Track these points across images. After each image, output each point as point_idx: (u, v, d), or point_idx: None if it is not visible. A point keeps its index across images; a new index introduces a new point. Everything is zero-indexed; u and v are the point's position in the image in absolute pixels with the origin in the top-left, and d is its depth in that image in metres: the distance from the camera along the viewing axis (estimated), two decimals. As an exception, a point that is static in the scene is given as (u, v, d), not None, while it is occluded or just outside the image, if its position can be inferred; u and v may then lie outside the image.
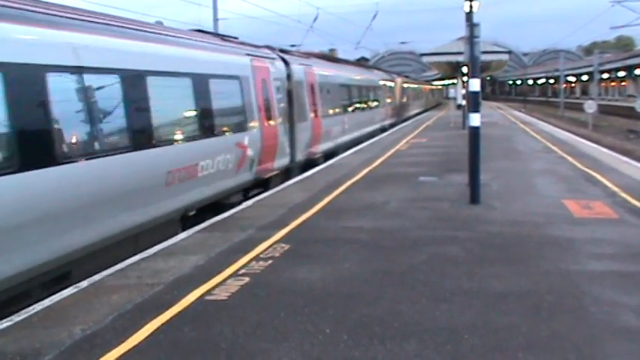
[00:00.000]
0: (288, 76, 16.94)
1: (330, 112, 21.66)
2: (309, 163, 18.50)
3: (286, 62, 17.19)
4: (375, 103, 32.51)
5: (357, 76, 28.72)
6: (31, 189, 6.81)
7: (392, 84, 39.98)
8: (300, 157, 17.52)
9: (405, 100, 46.92)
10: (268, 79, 15.00)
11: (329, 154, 21.06)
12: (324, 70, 21.79)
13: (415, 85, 61.36)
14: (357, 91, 27.39)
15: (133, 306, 6.28)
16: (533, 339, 5.22)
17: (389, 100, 37.70)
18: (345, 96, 25.00)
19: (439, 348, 5.09)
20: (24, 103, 6.84)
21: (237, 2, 34.52)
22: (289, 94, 16.77)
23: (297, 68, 17.98)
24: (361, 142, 25.84)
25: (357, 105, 27.22)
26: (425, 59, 45.38)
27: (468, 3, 12.88)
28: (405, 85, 48.24)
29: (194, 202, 10.77)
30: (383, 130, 33.92)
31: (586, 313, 5.80)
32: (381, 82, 35.59)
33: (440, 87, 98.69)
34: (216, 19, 30.75)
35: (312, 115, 18.93)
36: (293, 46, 39.66)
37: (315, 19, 40.41)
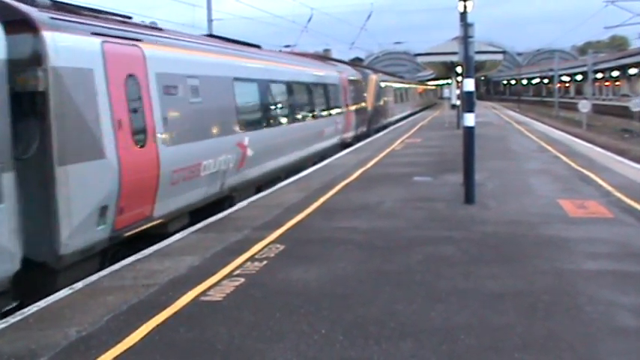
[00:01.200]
0: (35, 59, 7.55)
1: (201, 131, 11.27)
2: (135, 240, 9.29)
3: (28, 25, 7.63)
4: (326, 110, 21.92)
5: (280, 67, 17.22)
6: None
7: (362, 82, 30.77)
8: (79, 242, 7.94)
9: (382, 102, 37.28)
10: None
11: (204, 209, 11.32)
12: (178, 52, 11.11)
13: (398, 85, 50.34)
14: (282, 92, 16.90)
15: (129, 307, 6.27)
16: (528, 339, 5.23)
17: (355, 104, 27.36)
18: (250, 100, 14.39)
19: (435, 348, 5.09)
20: None
21: (232, 3, 34.49)
22: (16, 100, 7.18)
23: (75, 42, 8.28)
24: (297, 170, 16.93)
25: (284, 114, 16.81)
26: (419, 59, 44.86)
27: (462, 3, 12.87)
28: (384, 84, 38.87)
29: None
30: (345, 145, 24.54)
31: (581, 313, 5.81)
32: (340, 80, 24.98)
33: (433, 87, 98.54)
34: (210, 20, 30.78)
35: (125, 141, 8.93)
36: (287, 46, 39.68)
37: (309, 20, 40.47)
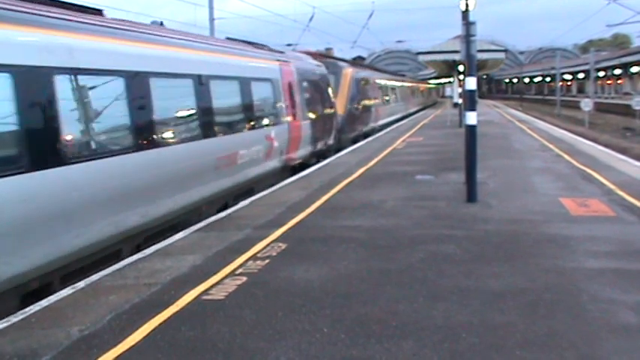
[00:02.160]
0: None
1: None
2: None
3: None
4: (248, 120, 13.99)
5: (124, 48, 9.53)
6: None
7: (326, 78, 22.56)
8: None
9: (363, 104, 29.46)
10: None
11: None
12: None
13: (386, 82, 40.68)
14: (120, 92, 9.18)
15: (131, 306, 6.27)
16: (530, 337, 5.23)
17: (315, 108, 19.67)
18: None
19: (437, 346, 5.09)
20: None
21: (234, 2, 34.50)
22: None
23: None
24: (181, 224, 10.55)
25: (127, 132, 9.32)
26: (421, 58, 44.59)
27: (464, 1, 12.89)
28: (365, 81, 30.95)
29: None
30: (295, 169, 17.25)
31: (583, 311, 5.80)
32: (281, 73, 16.76)
33: (435, 85, 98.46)
34: (212, 19, 30.79)
35: None
36: (289, 45, 39.69)
37: (311, 19, 40.55)
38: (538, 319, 5.60)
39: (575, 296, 6.20)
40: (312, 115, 19.07)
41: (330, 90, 22.46)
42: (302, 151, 18.10)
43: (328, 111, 21.73)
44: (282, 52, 18.64)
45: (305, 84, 18.99)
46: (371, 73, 35.80)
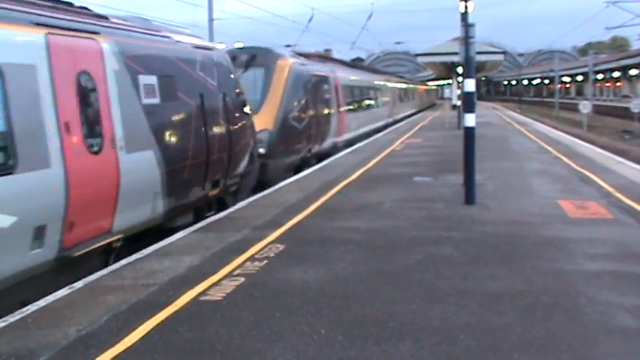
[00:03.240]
0: None
1: None
2: None
3: None
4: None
5: None
6: None
7: (223, 73, 12.30)
8: None
9: (307, 114, 19.10)
10: None
11: None
12: None
13: (360, 80, 30.71)
14: None
15: (128, 306, 6.27)
16: (528, 339, 5.23)
17: (183, 128, 10.25)
18: None
19: (434, 348, 5.09)
20: None
21: (233, 3, 34.52)
22: None
23: None
24: None
25: None
26: (420, 59, 44.33)
27: (463, 3, 12.89)
28: (315, 78, 20.72)
29: None
30: (104, 261, 8.50)
31: (581, 314, 5.80)
32: (46, 52, 7.01)
33: (433, 86, 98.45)
34: (211, 20, 30.82)
35: None
36: (288, 46, 39.69)
37: (310, 20, 40.53)
38: (536, 322, 5.61)
39: (573, 299, 6.21)
40: (169, 139, 9.91)
41: (238, 92, 13.23)
42: (128, 216, 8.82)
43: (227, 127, 12.06)
44: (103, 18, 9.33)
45: (153, 80, 9.64)
46: (332, 67, 25.28)
